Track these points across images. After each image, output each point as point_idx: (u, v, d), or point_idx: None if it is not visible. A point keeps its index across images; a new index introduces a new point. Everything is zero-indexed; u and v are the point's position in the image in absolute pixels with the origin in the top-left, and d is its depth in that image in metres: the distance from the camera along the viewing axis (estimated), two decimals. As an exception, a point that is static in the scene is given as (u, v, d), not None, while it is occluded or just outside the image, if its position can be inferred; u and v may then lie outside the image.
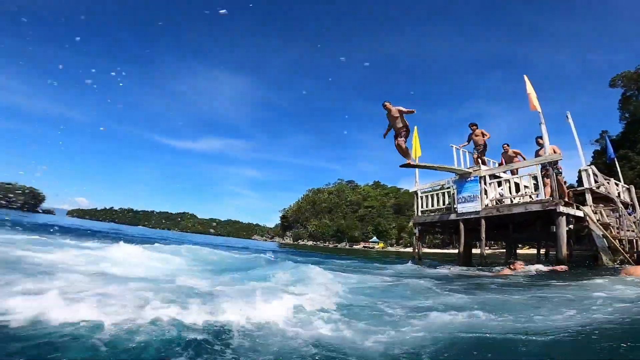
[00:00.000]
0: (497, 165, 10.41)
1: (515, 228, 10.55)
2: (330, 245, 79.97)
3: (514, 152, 9.77)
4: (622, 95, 41.12)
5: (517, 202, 8.79)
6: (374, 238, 77.70)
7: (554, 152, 8.46)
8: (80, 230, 14.32)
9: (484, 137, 10.19)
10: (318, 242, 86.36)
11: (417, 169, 11.13)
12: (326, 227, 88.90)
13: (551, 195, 7.74)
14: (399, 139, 8.08)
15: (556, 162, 8.12)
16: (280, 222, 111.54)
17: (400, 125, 7.94)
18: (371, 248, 67.54)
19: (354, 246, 75.29)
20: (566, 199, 8.14)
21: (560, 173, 8.38)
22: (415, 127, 11.08)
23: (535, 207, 7.81)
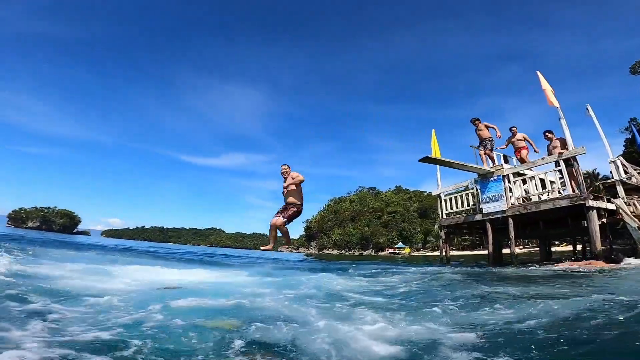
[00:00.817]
0: (501, 157, 10.32)
1: (546, 225, 10.28)
2: (356, 253, 79.32)
3: (523, 137, 9.69)
4: None
5: (544, 198, 8.63)
6: (400, 243, 76.49)
7: (563, 145, 8.44)
8: (135, 251, 14.57)
9: (488, 129, 10.05)
10: (343, 251, 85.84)
11: (438, 167, 11.15)
12: (350, 235, 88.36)
13: (578, 190, 7.58)
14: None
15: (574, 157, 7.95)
16: (304, 232, 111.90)
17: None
18: (397, 254, 66.48)
19: (380, 253, 74.34)
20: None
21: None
22: (433, 130, 11.12)
23: (564, 203, 7.66)
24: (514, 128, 9.81)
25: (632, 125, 19.52)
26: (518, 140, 9.75)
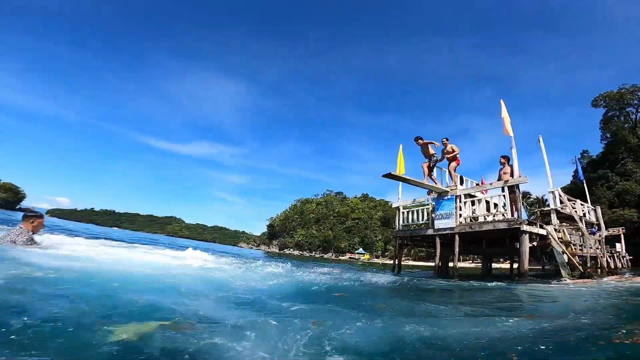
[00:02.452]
0: (458, 177, 10.92)
1: (488, 244, 11.25)
2: (317, 255, 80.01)
3: (452, 148, 10.38)
4: (603, 116, 42.15)
5: (488, 220, 9.48)
6: (360, 249, 78.32)
7: (511, 173, 9.38)
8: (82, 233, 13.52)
9: (429, 146, 10.50)
10: (304, 252, 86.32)
11: (400, 183, 11.82)
12: (313, 237, 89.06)
13: (516, 215, 8.47)
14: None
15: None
16: (266, 230, 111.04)
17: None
18: (357, 259, 67.91)
19: (340, 257, 75.58)
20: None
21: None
22: (401, 145, 11.80)
23: (502, 225, 8.50)
24: (444, 140, 10.40)
25: (576, 159, 21.57)
26: (448, 152, 10.44)
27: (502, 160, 9.74)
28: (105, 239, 9.86)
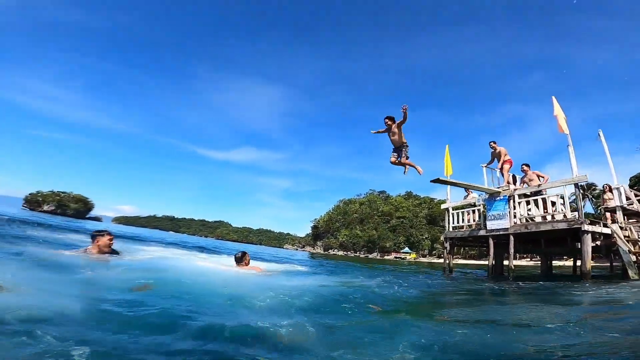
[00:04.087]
0: (510, 176, 10.74)
1: (547, 243, 10.87)
2: (362, 256, 79.79)
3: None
4: None
5: (548, 219, 9.24)
6: (406, 249, 76.77)
7: (539, 177, 9.50)
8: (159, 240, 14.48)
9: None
10: (349, 252, 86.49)
11: (448, 185, 11.83)
12: (357, 238, 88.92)
13: (577, 214, 8.22)
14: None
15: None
16: (311, 231, 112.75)
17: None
18: (403, 259, 66.79)
19: (385, 256, 74.74)
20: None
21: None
22: (447, 146, 11.76)
23: (562, 226, 8.29)
24: (525, 167, 10.12)
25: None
26: (499, 154, 10.50)
27: (525, 168, 9.97)
28: (177, 245, 11.11)
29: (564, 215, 9.21)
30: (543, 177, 9.63)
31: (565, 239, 10.07)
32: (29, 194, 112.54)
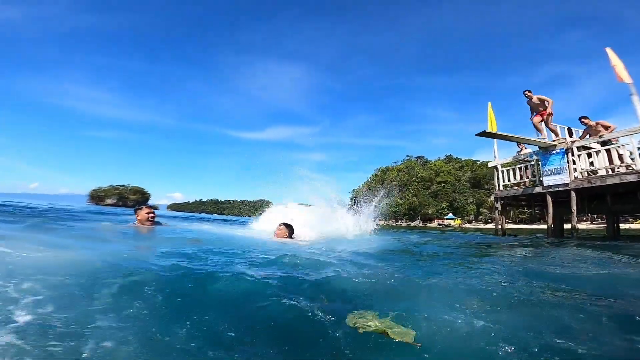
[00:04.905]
0: (565, 130, 10.00)
1: (614, 199, 9.88)
2: (403, 224, 79.19)
3: (539, 99, 9.45)
4: None
5: (612, 172, 8.35)
6: (450, 215, 74.75)
7: (604, 127, 8.53)
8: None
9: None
10: (389, 222, 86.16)
11: (495, 141, 11.03)
12: (397, 206, 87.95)
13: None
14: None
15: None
16: (350, 202, 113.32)
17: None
18: (447, 225, 65.22)
19: (428, 224, 73.51)
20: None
21: None
22: (489, 103, 10.86)
23: (632, 178, 7.43)
24: (527, 92, 9.55)
25: None
26: (535, 104, 9.54)
27: (585, 121, 9.07)
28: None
29: (629, 167, 8.25)
30: (610, 127, 8.63)
31: (634, 194, 9.06)
32: (92, 190, 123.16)
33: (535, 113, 9.70)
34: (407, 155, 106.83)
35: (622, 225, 15.30)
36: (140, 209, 5.11)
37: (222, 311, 1.72)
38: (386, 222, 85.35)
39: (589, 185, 8.41)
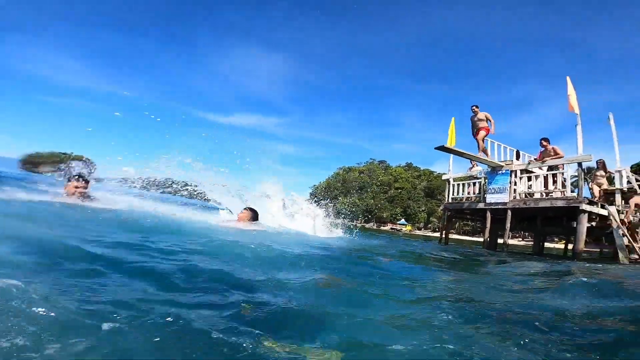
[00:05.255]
0: (514, 152, 10.80)
1: (544, 221, 11.01)
2: (358, 224, 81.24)
3: (485, 116, 9.78)
4: None
5: (545, 196, 9.30)
6: (402, 220, 78.10)
7: (555, 152, 9.14)
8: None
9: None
10: (346, 221, 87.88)
11: (451, 155, 11.77)
12: (355, 206, 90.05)
13: (576, 192, 8.25)
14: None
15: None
16: (309, 198, 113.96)
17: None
18: (399, 230, 68.14)
19: (382, 227, 76.21)
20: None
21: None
22: (453, 118, 11.56)
23: (561, 203, 8.35)
24: (474, 107, 9.88)
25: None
26: (479, 119, 9.82)
27: (544, 143, 9.56)
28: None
29: (563, 194, 9.26)
30: (558, 154, 9.46)
31: (561, 219, 10.19)
32: (28, 155, 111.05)
33: (476, 129, 9.90)
34: (370, 158, 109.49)
35: (548, 245, 17.04)
36: (70, 180, 4.50)
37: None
38: (343, 221, 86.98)
39: (524, 206, 9.29)
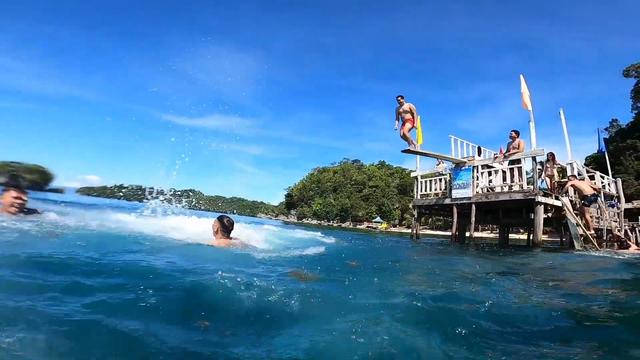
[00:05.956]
0: (476, 148, 11.26)
1: (505, 214, 11.53)
2: (335, 225, 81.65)
3: (409, 108, 9.12)
4: (634, 85, 41.15)
5: (504, 190, 9.73)
6: (378, 218, 79.36)
7: (518, 146, 9.48)
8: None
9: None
10: (322, 221, 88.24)
11: (417, 155, 12.08)
12: (330, 206, 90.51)
13: (532, 186, 8.70)
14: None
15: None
16: (285, 200, 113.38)
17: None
18: (374, 228, 69.07)
19: (358, 226, 77.03)
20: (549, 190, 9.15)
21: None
22: (419, 117, 11.90)
23: (519, 196, 8.77)
24: (399, 97, 9.22)
25: (598, 130, 20.75)
26: (404, 111, 9.14)
27: (513, 135, 9.79)
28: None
29: (520, 187, 9.73)
30: (519, 148, 9.67)
31: (521, 211, 10.70)
32: None
33: (402, 121, 9.26)
34: (344, 158, 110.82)
35: (513, 235, 17.92)
36: (7, 190, 3.70)
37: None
38: (318, 222, 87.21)
39: (486, 200, 9.68)
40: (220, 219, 3.79)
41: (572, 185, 9.16)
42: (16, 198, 3.62)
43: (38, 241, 2.86)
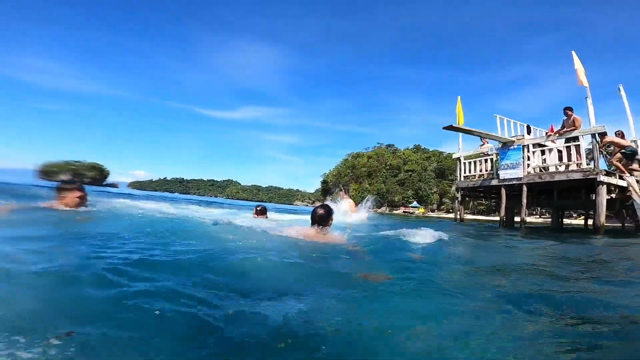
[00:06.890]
0: (525, 127, 10.54)
1: (560, 195, 10.74)
2: (371, 211, 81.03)
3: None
4: None
5: (560, 169, 9.05)
6: (415, 203, 77.52)
7: (574, 123, 8.82)
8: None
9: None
10: (358, 207, 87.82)
11: (460, 134, 11.55)
12: (366, 192, 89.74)
13: (593, 164, 8.00)
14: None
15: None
16: (320, 187, 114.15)
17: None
18: (411, 213, 67.64)
19: (394, 211, 75.90)
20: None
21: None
22: (459, 97, 11.30)
23: (577, 176, 8.11)
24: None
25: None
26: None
27: (569, 112, 9.11)
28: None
29: (578, 166, 8.98)
30: (575, 126, 9.05)
31: (579, 191, 9.91)
32: (42, 165, 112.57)
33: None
34: (378, 143, 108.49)
35: (566, 220, 16.71)
36: (69, 189, 3.95)
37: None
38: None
39: (539, 180, 9.07)
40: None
41: (610, 142, 8.56)
42: (81, 198, 4.06)
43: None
